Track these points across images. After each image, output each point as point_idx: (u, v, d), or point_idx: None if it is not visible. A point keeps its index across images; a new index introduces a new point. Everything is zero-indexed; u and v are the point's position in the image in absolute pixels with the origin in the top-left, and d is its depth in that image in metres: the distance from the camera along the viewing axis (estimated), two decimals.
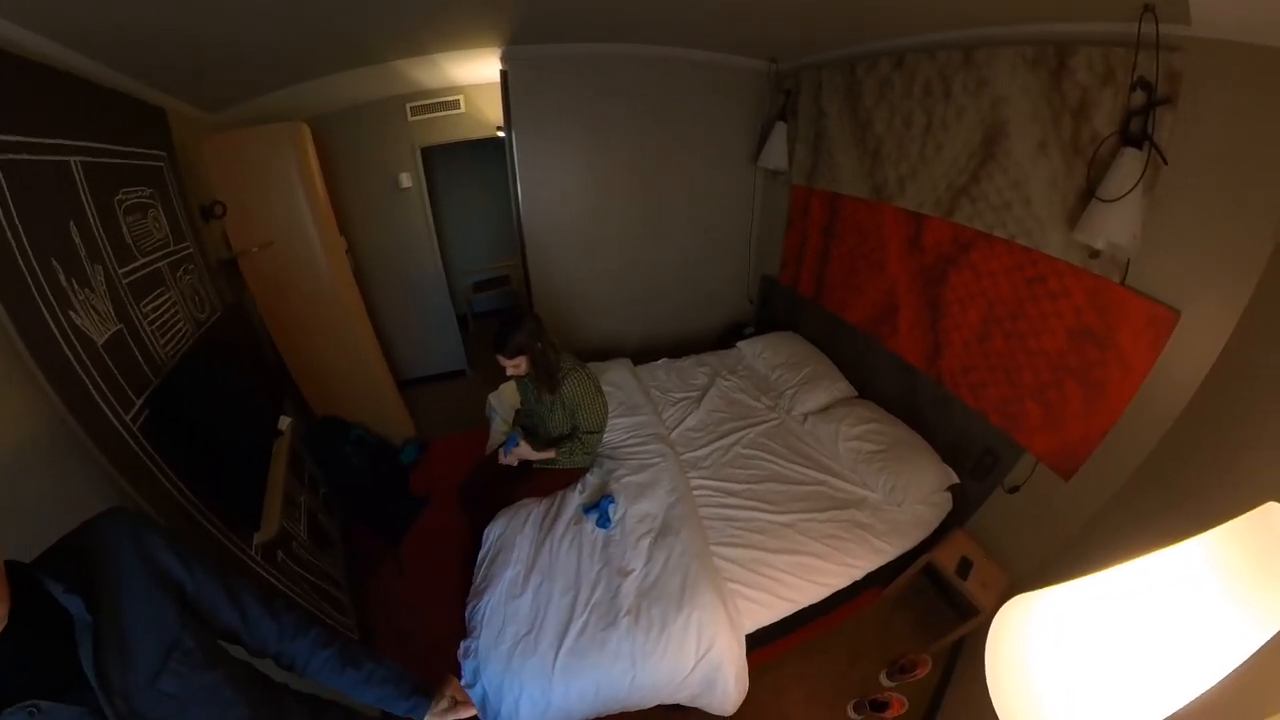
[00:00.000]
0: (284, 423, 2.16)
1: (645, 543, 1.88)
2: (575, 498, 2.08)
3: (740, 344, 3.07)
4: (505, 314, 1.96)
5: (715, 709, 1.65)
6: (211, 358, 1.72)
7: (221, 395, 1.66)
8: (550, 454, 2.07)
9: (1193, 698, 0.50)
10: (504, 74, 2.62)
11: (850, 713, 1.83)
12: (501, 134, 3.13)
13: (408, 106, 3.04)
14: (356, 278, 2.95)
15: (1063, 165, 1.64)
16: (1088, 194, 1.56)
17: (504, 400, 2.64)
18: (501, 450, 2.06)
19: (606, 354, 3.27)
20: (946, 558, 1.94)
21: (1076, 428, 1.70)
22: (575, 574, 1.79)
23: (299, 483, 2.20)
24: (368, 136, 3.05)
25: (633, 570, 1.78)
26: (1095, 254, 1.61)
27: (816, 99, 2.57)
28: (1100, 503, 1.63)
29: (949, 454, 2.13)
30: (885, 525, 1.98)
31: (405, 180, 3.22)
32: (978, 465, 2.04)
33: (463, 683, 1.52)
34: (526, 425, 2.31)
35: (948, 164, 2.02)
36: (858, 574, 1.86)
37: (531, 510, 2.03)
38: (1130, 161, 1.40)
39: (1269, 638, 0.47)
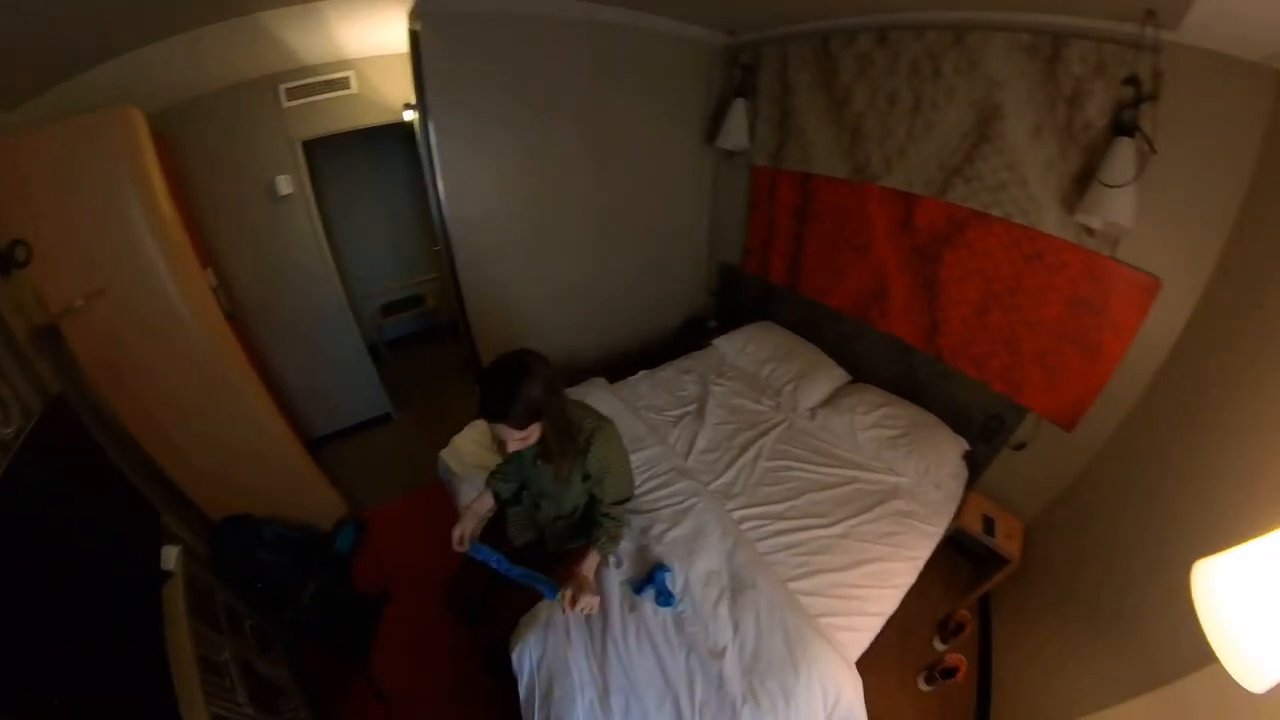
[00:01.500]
0: (169, 556, 1.64)
1: (723, 608, 1.74)
2: (614, 575, 1.82)
3: (717, 341, 3.15)
4: (502, 365, 1.41)
5: None
6: (35, 502, 1.21)
7: (64, 555, 1.23)
8: (596, 560, 1.69)
9: None
10: (414, 35, 2.31)
11: (922, 685, 2.09)
12: (410, 116, 2.82)
13: (281, 89, 2.58)
14: (235, 320, 2.49)
15: (1058, 149, 1.92)
16: (1082, 177, 1.86)
17: (463, 459, 2.35)
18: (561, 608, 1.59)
19: (564, 372, 3.17)
20: (971, 520, 2.27)
21: (1075, 386, 2.07)
22: (661, 676, 1.59)
23: (215, 631, 1.69)
24: (230, 132, 2.55)
25: (724, 647, 1.64)
26: (1091, 231, 1.94)
27: (782, 74, 2.68)
28: (1097, 447, 2.05)
29: (954, 424, 2.44)
30: (926, 508, 2.19)
31: (284, 185, 2.74)
32: (984, 430, 2.38)
33: None
34: (502, 493, 1.83)
35: (939, 144, 2.25)
36: (920, 564, 2.02)
37: (566, 611, 1.64)
38: (1126, 151, 1.69)
39: None
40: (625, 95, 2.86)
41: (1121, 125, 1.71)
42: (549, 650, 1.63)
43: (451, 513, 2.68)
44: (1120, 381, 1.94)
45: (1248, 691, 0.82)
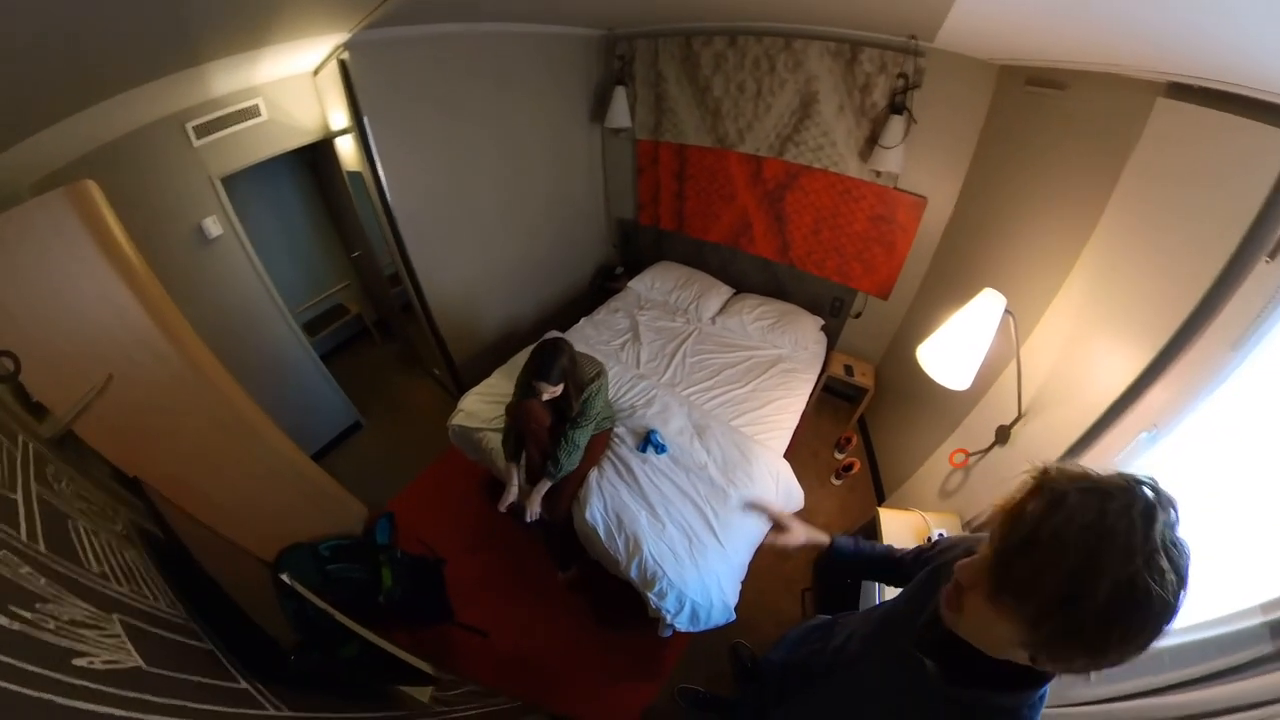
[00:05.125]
0: (287, 578, 1.72)
1: (696, 444, 2.51)
2: (624, 449, 2.48)
3: (631, 283, 3.69)
4: (545, 346, 2.05)
5: (796, 505, 2.60)
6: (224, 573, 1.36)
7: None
8: (546, 484, 2.20)
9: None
10: (343, 64, 2.31)
11: (834, 482, 3.10)
12: (339, 136, 2.75)
13: (189, 127, 2.31)
14: None
15: (855, 122, 2.70)
16: (871, 139, 2.67)
17: (477, 416, 2.68)
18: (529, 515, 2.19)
19: (511, 338, 3.49)
20: (836, 370, 3.26)
21: (884, 271, 3.04)
22: (679, 490, 2.31)
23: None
24: (144, 180, 2.25)
25: (706, 463, 2.43)
26: (879, 174, 2.79)
27: (654, 65, 3.08)
28: (905, 306, 3.08)
29: (810, 308, 3.37)
30: (801, 365, 3.11)
31: (213, 227, 2.50)
32: (831, 308, 3.34)
33: (670, 618, 2.01)
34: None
35: (775, 120, 2.92)
36: (804, 398, 2.93)
37: (606, 476, 2.35)
38: (897, 124, 2.51)
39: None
40: (524, 89, 3.03)
41: (895, 106, 2.51)
42: (607, 500, 2.26)
43: (467, 474, 3.07)
44: (911, 264, 2.93)
45: (960, 392, 1.86)
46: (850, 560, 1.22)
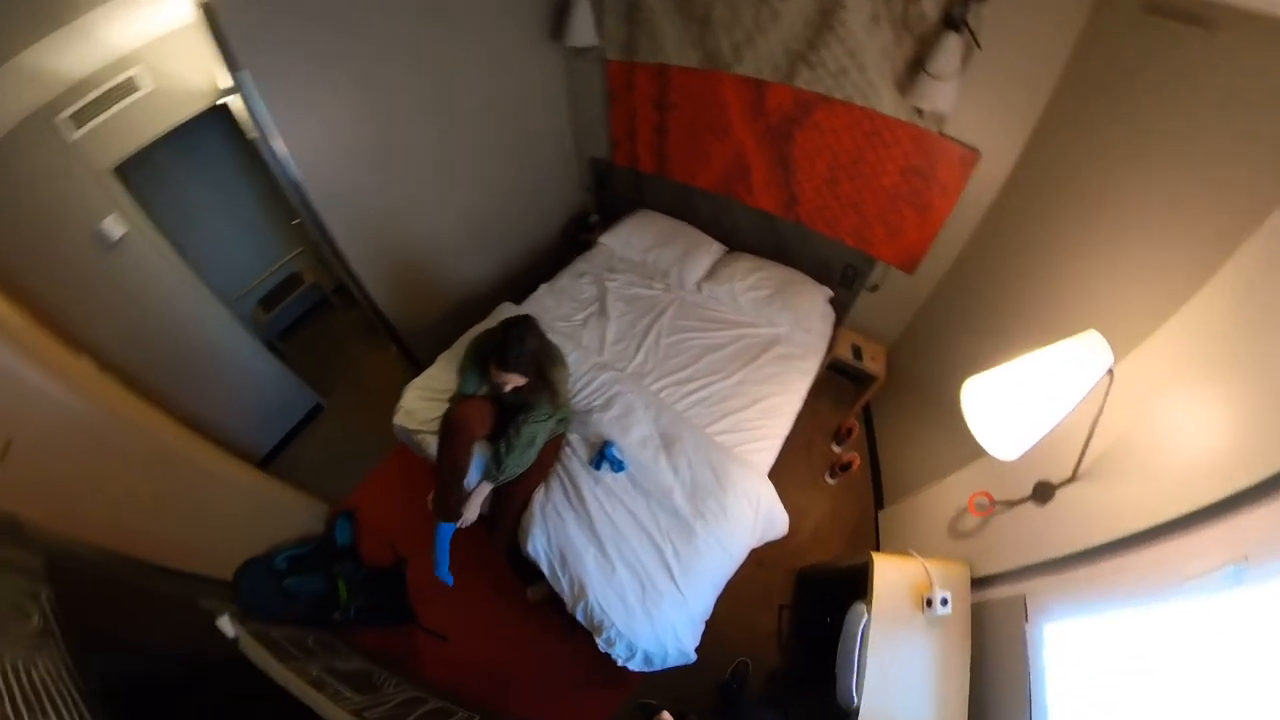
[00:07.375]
0: (226, 624, 1.57)
1: (662, 460, 2.06)
2: (575, 464, 2.09)
3: (604, 239, 3.07)
4: (510, 326, 1.77)
5: (778, 534, 2.23)
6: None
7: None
8: (486, 487, 1.93)
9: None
10: (208, 9, 1.72)
11: (828, 480, 2.69)
12: (229, 98, 2.19)
13: (59, 120, 1.86)
14: (131, 388, 2.13)
15: (893, 37, 1.89)
16: (915, 64, 1.87)
17: (417, 416, 2.30)
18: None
19: (470, 303, 3.01)
20: (843, 350, 2.71)
21: (912, 238, 2.35)
22: (635, 522, 1.93)
23: (295, 660, 1.68)
24: (17, 194, 1.86)
25: (671, 487, 2.00)
26: (921, 112, 2.00)
27: None
28: (933, 284, 2.42)
29: (817, 275, 2.72)
30: (800, 349, 2.52)
31: (114, 227, 2.12)
32: (843, 278, 2.69)
33: (621, 663, 1.78)
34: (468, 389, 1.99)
35: (784, 31, 2.11)
36: (801, 395, 2.40)
37: (551, 500, 2.01)
38: (952, 44, 1.71)
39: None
40: (452, 9, 2.30)
41: (951, 20, 1.70)
42: (551, 533, 1.94)
43: (419, 467, 2.71)
44: (948, 233, 2.23)
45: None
46: None
